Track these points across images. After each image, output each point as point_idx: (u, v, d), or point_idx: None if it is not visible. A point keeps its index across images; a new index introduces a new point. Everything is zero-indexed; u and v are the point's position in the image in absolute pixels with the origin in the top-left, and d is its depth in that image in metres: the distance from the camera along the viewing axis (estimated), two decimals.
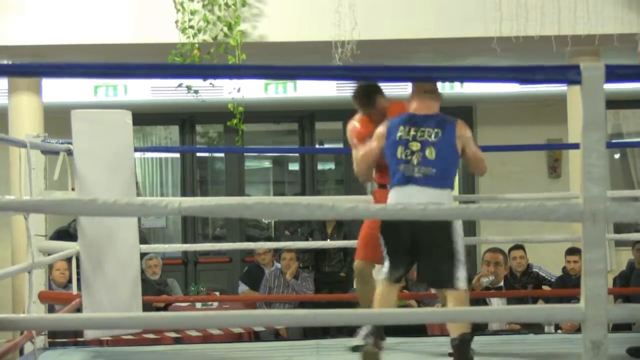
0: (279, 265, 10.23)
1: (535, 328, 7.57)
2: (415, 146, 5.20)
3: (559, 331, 8.10)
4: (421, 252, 5.22)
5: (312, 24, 9.37)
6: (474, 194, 12.03)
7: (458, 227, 5.18)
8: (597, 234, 3.21)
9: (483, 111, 12.98)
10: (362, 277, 5.96)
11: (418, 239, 5.16)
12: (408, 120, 5.29)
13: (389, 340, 5.72)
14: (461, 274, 5.16)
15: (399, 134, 5.27)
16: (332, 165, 14.34)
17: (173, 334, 8.36)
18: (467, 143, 5.27)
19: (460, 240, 5.19)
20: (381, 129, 5.40)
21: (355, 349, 5.71)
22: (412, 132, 5.24)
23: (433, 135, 5.20)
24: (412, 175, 5.18)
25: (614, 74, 3.22)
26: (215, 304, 9.78)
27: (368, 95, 5.73)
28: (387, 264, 5.33)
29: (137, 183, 10.69)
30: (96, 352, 6.30)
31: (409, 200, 5.11)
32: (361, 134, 5.73)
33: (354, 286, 6.58)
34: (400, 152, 5.24)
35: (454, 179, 5.31)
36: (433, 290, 6.63)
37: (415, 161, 5.19)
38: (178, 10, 9.23)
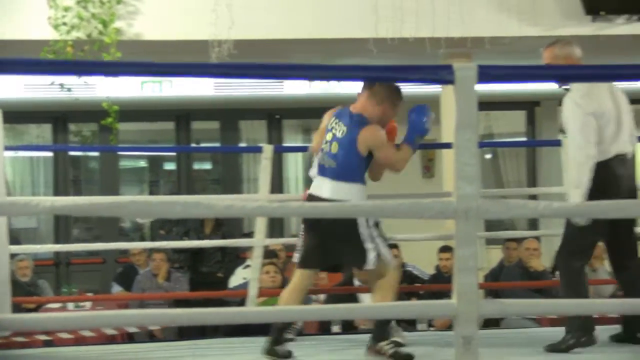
0: None
1: (408, 325, 7.67)
2: (329, 137, 5.46)
3: (432, 328, 8.21)
4: (328, 237, 5.37)
5: (188, 22, 9.31)
6: None
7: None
8: (470, 231, 3.27)
9: None
10: None
11: (321, 225, 5.33)
12: (340, 112, 5.51)
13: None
14: (370, 255, 5.32)
15: (330, 123, 5.51)
16: (208, 165, 14.26)
17: (43, 337, 8.16)
18: (374, 146, 5.40)
19: (364, 223, 5.33)
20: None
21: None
22: (334, 124, 5.47)
23: (340, 132, 5.41)
24: (323, 165, 5.44)
25: (487, 74, 3.28)
26: (88, 305, 9.60)
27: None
28: (302, 250, 5.56)
29: (7, 182, 10.43)
30: None
31: (318, 191, 5.41)
32: None
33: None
34: (324, 140, 5.49)
35: (360, 175, 5.46)
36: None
37: (325, 150, 5.45)
38: (51, 7, 9.05)
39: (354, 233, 5.31)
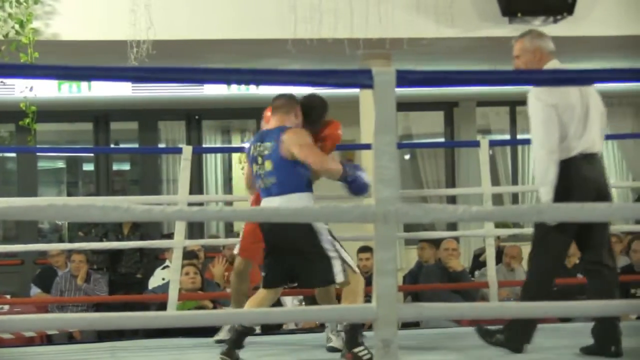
0: None
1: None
2: (260, 160, 5.49)
3: None
4: (293, 259, 5.41)
5: (106, 23, 9.23)
6: None
7: (319, 226, 5.39)
8: (388, 234, 3.30)
9: None
10: (240, 275, 6.16)
11: (283, 246, 5.37)
12: (258, 137, 5.61)
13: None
14: (337, 268, 5.39)
15: (251, 152, 5.58)
16: (127, 166, 14.15)
17: None
18: (293, 149, 5.36)
19: (325, 237, 5.40)
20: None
21: (219, 342, 6.09)
22: (259, 149, 5.52)
23: (269, 149, 5.45)
24: (265, 188, 5.47)
25: (405, 79, 3.32)
26: (6, 307, 9.45)
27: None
28: (265, 270, 5.59)
29: None
30: None
31: None
32: None
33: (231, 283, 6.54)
34: (255, 168, 5.55)
35: (300, 182, 5.45)
36: None
37: (261, 174, 5.48)
38: None
39: (317, 247, 5.36)
